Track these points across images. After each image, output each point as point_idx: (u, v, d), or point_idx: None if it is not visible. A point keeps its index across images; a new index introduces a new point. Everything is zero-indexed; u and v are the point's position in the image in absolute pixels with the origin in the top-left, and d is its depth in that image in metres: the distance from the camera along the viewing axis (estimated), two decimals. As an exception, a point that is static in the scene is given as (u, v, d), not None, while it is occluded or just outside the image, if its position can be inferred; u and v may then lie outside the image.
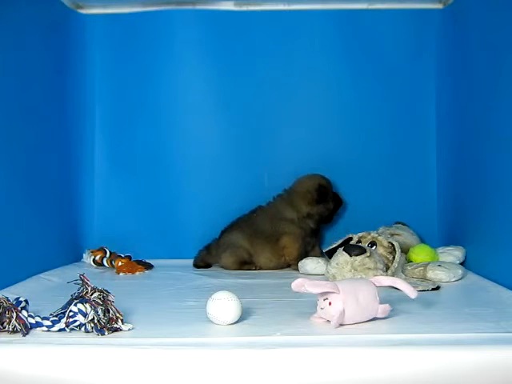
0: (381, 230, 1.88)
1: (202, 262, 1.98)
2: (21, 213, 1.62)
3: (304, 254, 1.89)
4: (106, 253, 1.93)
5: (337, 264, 1.60)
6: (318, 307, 1.19)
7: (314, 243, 1.97)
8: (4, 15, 1.54)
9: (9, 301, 1.13)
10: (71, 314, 1.11)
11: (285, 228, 1.93)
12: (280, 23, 2.08)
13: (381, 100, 2.09)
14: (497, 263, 1.57)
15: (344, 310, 1.14)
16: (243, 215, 2.00)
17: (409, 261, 1.77)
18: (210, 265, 1.98)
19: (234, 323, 1.17)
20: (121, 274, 1.83)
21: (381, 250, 1.66)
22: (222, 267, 1.94)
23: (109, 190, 2.12)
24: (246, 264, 1.91)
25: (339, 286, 1.16)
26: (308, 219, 1.95)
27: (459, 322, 1.18)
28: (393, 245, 1.67)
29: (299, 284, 1.19)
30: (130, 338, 1.08)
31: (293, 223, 1.94)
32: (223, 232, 1.99)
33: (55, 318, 1.12)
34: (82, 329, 1.11)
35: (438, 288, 1.52)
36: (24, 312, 1.13)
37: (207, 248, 2.00)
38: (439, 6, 2.04)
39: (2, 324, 1.11)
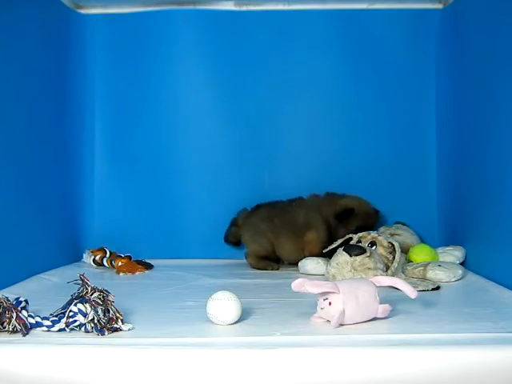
0: (381, 230, 1.88)
1: (234, 238, 2.00)
2: (21, 213, 1.62)
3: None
4: (106, 253, 1.93)
5: (337, 264, 1.60)
6: (317, 307, 1.19)
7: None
8: (3, 15, 1.54)
9: (9, 301, 1.13)
10: (71, 314, 1.11)
11: (315, 221, 1.93)
12: (280, 23, 2.07)
13: (381, 100, 2.08)
14: (497, 263, 1.57)
15: (344, 310, 1.14)
16: (280, 202, 1.98)
17: (409, 261, 1.77)
18: (240, 242, 1.99)
19: (234, 323, 1.17)
20: (121, 274, 1.83)
21: (381, 250, 1.66)
22: (244, 245, 1.96)
23: (109, 190, 2.12)
24: (267, 260, 1.91)
25: (339, 286, 1.16)
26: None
27: (459, 322, 1.18)
28: (393, 245, 1.67)
29: (299, 284, 1.19)
30: (129, 338, 1.08)
31: (322, 220, 1.93)
32: (256, 209, 1.98)
33: (55, 318, 1.13)
34: (82, 329, 1.11)
35: (438, 288, 1.52)
36: (24, 312, 1.13)
37: (235, 223, 2.01)
38: (439, 6, 2.04)
39: (2, 324, 1.11)
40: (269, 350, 0.99)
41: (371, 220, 1.97)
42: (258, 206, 1.99)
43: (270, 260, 1.92)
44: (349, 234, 1.75)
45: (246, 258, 1.96)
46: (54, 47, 1.87)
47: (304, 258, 1.86)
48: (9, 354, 1.01)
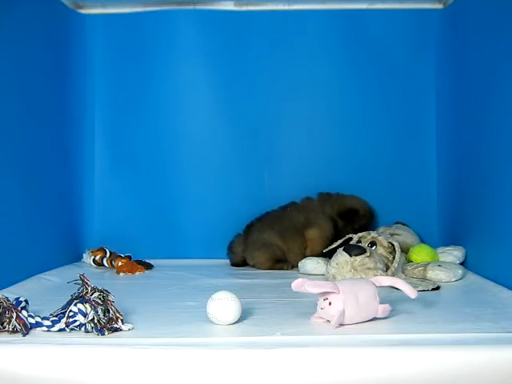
0: (381, 230, 1.88)
1: (241, 261, 1.96)
2: (21, 213, 1.62)
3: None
4: (106, 253, 1.93)
5: (337, 264, 1.60)
6: (317, 307, 1.19)
7: None
8: (4, 15, 1.54)
9: (9, 301, 1.13)
10: (71, 313, 1.11)
11: (318, 219, 1.93)
12: (280, 23, 2.07)
13: (381, 100, 2.09)
14: (497, 263, 1.57)
15: (344, 310, 1.14)
16: (271, 212, 1.98)
17: (409, 261, 1.77)
18: (246, 261, 1.96)
19: (234, 323, 1.17)
20: (121, 274, 1.83)
21: (381, 250, 1.66)
22: (254, 265, 1.93)
23: (109, 190, 2.12)
24: (279, 262, 1.90)
25: (339, 286, 1.16)
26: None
27: (459, 322, 1.18)
28: (393, 245, 1.67)
29: (299, 284, 1.19)
30: (129, 338, 1.08)
31: (327, 218, 1.94)
32: (249, 228, 1.97)
33: (55, 318, 1.13)
34: (82, 329, 1.11)
35: (438, 288, 1.52)
36: (24, 312, 1.13)
37: (234, 246, 1.98)
38: (439, 6, 2.04)
39: (2, 324, 1.11)
40: (269, 350, 0.99)
41: (371, 219, 2.01)
42: (251, 225, 1.98)
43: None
44: (350, 232, 1.76)
45: (256, 266, 1.93)
46: (54, 47, 1.87)
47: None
48: (9, 354, 1.01)
